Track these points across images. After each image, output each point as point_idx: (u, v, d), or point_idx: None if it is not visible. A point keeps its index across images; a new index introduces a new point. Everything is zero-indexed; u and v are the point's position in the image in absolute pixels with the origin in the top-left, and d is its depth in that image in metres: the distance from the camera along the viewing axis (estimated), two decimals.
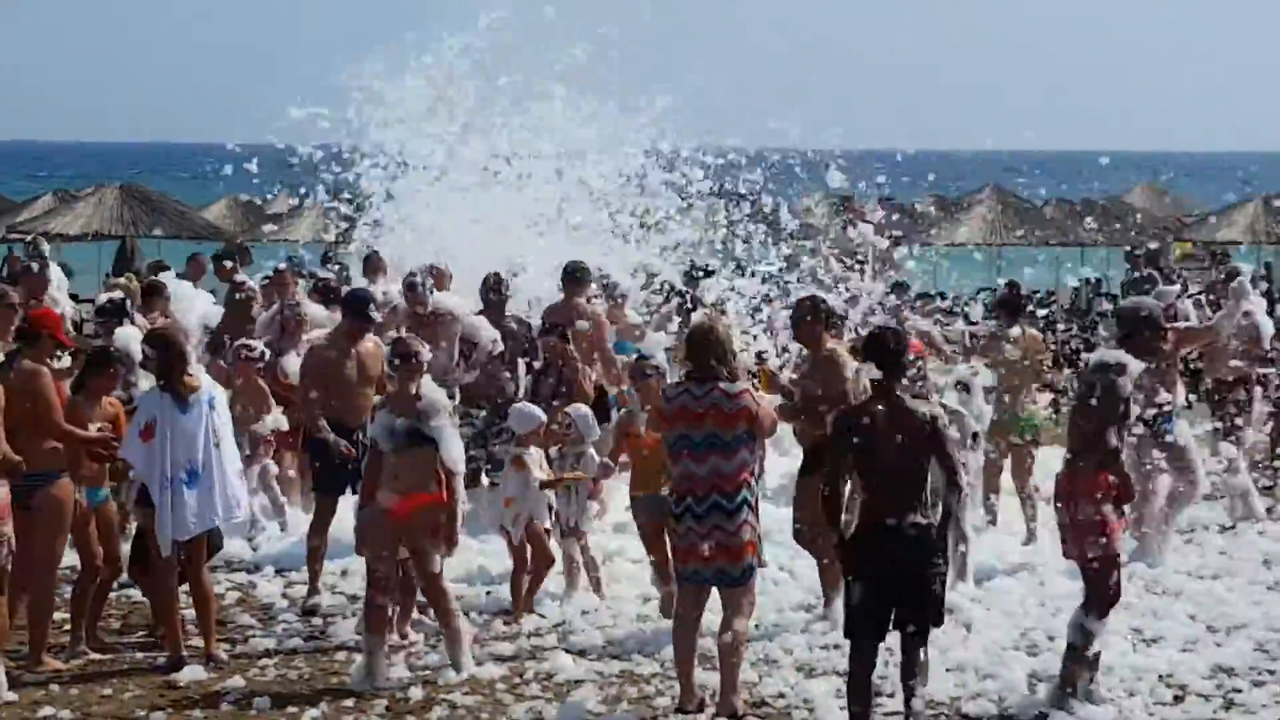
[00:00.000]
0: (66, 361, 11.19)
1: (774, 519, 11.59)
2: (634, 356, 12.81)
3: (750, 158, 18.14)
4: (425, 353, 9.81)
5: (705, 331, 9.03)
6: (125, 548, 10.48)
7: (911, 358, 9.10)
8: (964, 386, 13.30)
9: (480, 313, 13.75)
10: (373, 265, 16.17)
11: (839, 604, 9.23)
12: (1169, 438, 12.27)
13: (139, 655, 10.14)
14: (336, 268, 17.79)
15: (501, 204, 17.25)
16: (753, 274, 16.28)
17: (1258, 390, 14.52)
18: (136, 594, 10.94)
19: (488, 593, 11.47)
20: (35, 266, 14.96)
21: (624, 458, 11.21)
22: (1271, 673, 9.72)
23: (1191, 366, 15.95)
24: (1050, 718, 8.78)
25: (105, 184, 34.44)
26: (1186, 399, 13.78)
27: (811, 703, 9.05)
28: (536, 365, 13.46)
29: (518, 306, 14.54)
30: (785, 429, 11.04)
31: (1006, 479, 13.44)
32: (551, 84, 17.73)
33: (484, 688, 9.43)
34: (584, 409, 11.63)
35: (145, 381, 11.05)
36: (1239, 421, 14.21)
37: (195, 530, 9.80)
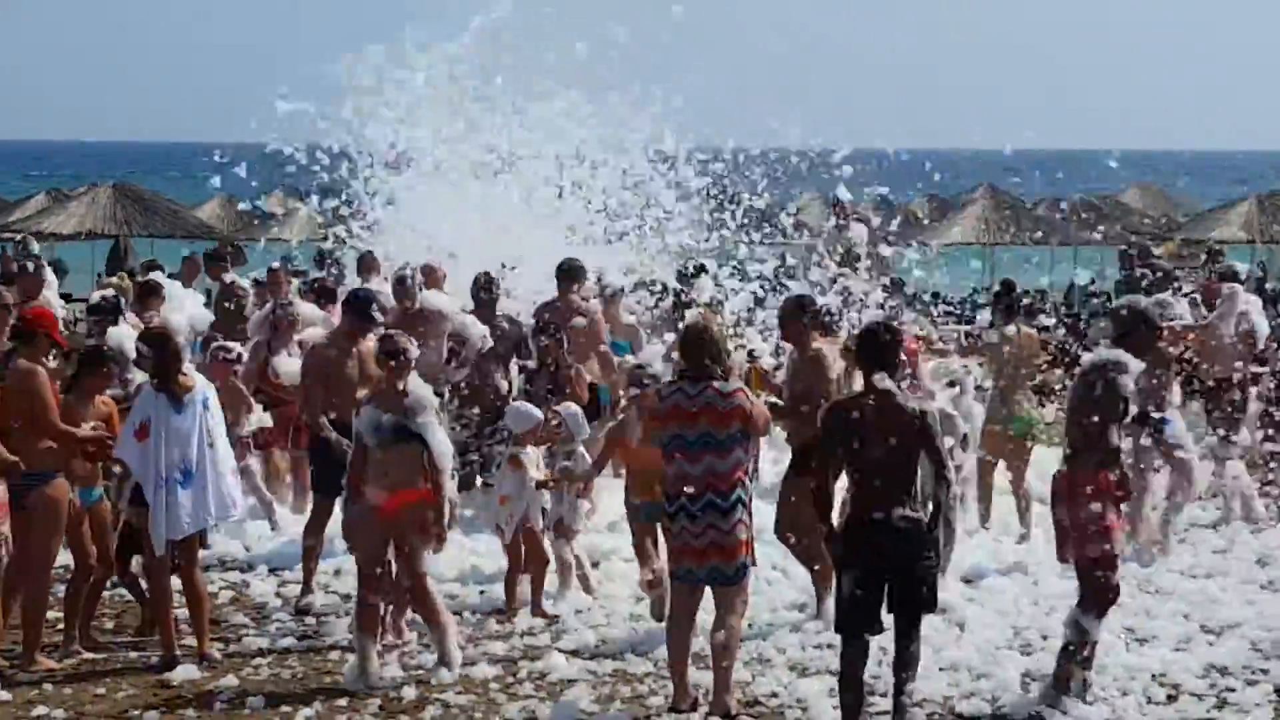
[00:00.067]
0: (58, 361, 11.17)
1: (767, 518, 11.57)
2: (627, 357, 12.83)
3: (750, 157, 18.14)
4: (413, 350, 9.80)
5: (700, 331, 9.03)
6: None
7: (903, 357, 9.08)
8: (956, 385, 13.30)
9: (471, 312, 13.75)
10: (366, 264, 16.16)
11: (830, 604, 9.23)
12: (1166, 437, 12.28)
13: (132, 654, 10.14)
14: (331, 265, 17.76)
15: (501, 203, 17.25)
16: (745, 275, 16.29)
17: (1252, 390, 14.53)
18: (130, 594, 10.94)
19: (481, 592, 11.46)
20: (31, 266, 14.98)
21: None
22: (1265, 672, 9.72)
23: (1187, 365, 15.93)
24: (1044, 717, 8.78)
25: (98, 183, 34.44)
26: (1181, 398, 13.75)
27: (804, 702, 9.05)
28: (530, 365, 13.45)
29: (518, 304, 14.53)
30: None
31: (1000, 479, 13.43)
32: (551, 84, 17.74)
33: (477, 687, 9.43)
34: (574, 408, 11.64)
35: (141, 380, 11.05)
36: (1236, 418, 14.20)
37: (189, 530, 9.81)
